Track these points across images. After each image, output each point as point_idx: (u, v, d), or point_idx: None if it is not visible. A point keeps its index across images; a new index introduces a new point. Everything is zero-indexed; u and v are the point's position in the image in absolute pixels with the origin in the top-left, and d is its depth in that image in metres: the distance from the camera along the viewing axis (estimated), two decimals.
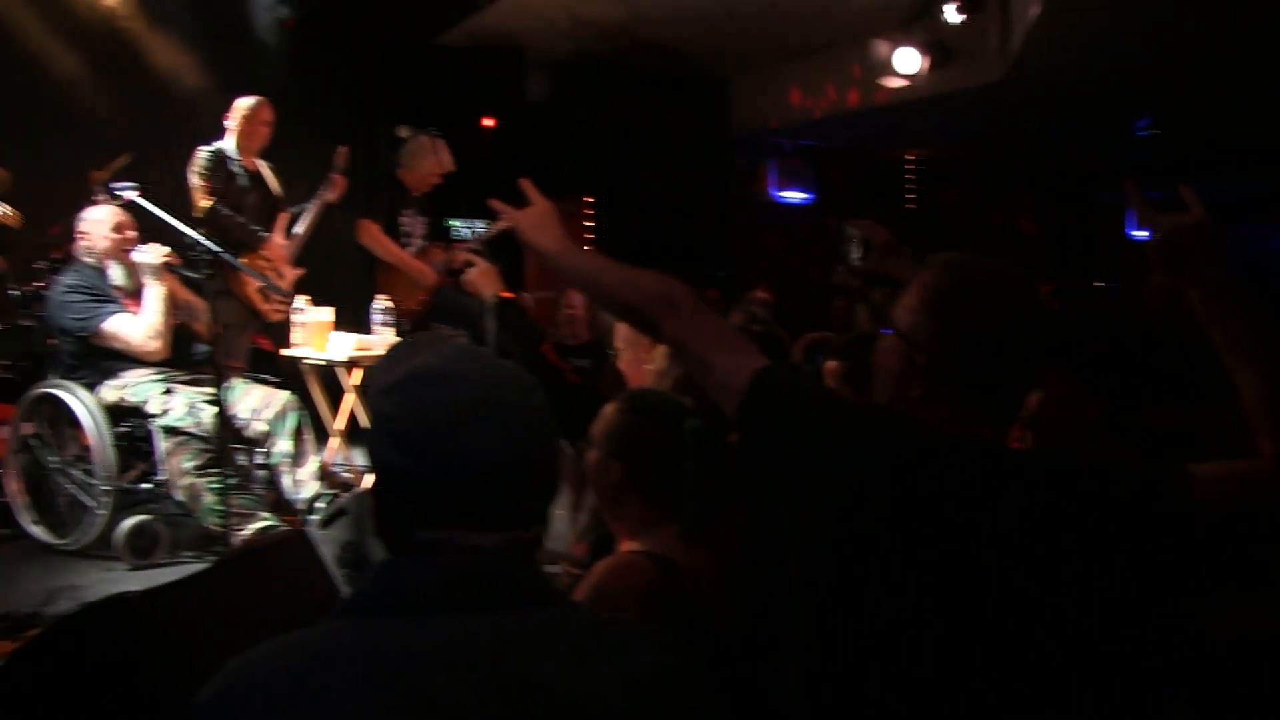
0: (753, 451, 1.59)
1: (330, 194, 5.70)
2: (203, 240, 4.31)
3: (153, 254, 4.59)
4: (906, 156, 10.98)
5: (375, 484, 1.21)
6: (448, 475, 1.14)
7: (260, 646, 1.11)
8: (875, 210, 8.91)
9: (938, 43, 7.15)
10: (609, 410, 2.10)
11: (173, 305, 4.69)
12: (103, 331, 4.56)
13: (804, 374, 2.57)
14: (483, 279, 2.86)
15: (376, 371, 1.27)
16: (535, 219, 2.04)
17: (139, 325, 4.58)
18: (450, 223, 6.60)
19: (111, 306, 4.61)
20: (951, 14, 6.85)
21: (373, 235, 5.85)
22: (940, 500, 1.44)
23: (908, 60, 7.27)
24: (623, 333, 2.97)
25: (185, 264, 4.68)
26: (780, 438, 1.55)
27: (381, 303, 5.42)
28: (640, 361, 2.84)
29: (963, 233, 11.06)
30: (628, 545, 2.01)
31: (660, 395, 2.17)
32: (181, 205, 4.97)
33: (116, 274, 4.70)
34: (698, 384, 1.71)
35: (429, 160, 6.01)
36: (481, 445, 1.15)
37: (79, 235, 4.78)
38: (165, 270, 4.63)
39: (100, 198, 5.16)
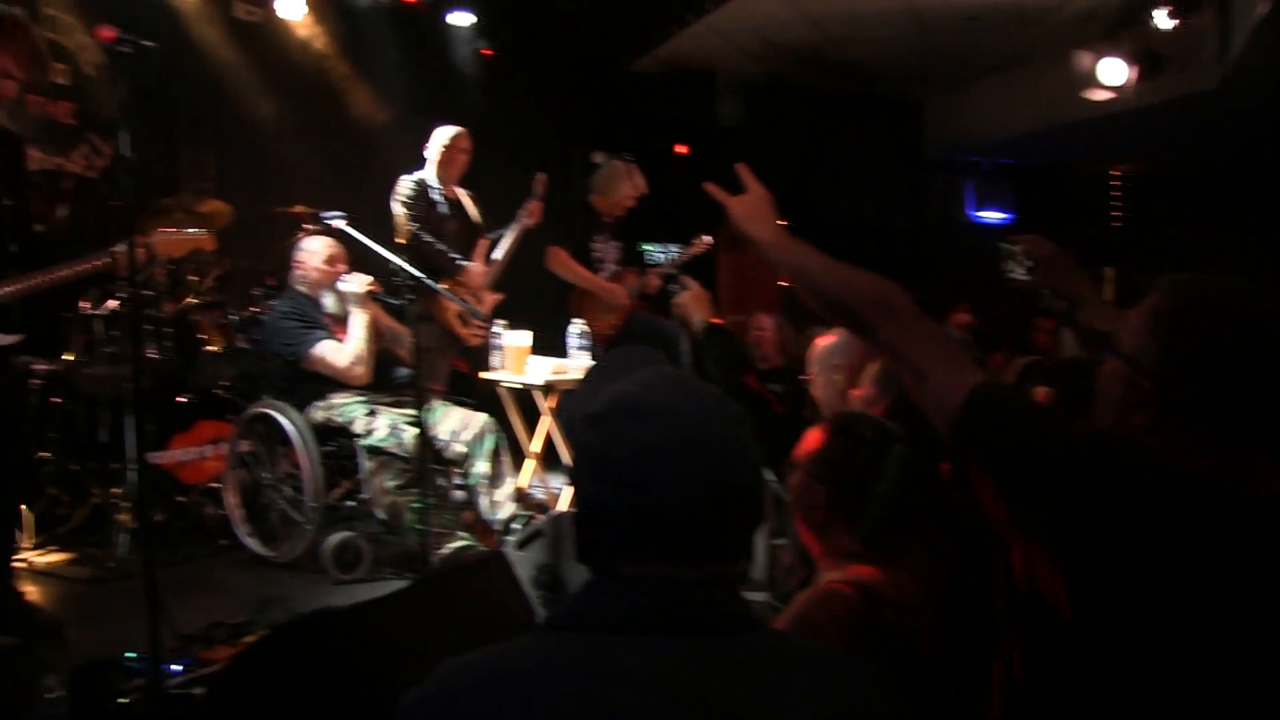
0: (967, 471, 1.50)
1: (528, 220, 5.84)
2: (405, 266, 4.42)
3: (357, 283, 4.76)
4: (1111, 172, 10.59)
5: (578, 514, 1.20)
6: (652, 510, 1.13)
7: (466, 655, 1.12)
8: (1079, 229, 8.58)
9: (1146, 51, 6.84)
10: (815, 434, 2.05)
11: (376, 332, 4.83)
12: (310, 357, 4.71)
13: (1025, 394, 2.45)
14: (694, 303, 2.86)
15: (579, 397, 1.25)
16: (750, 206, 1.94)
17: (344, 352, 4.71)
18: (643, 247, 6.61)
19: (319, 333, 4.76)
20: (1162, 19, 6.53)
21: (562, 261, 5.95)
22: (1190, 547, 1.32)
23: (1114, 71, 6.99)
24: (818, 356, 2.90)
25: (388, 290, 4.84)
26: (999, 459, 1.45)
27: (578, 327, 5.47)
28: (832, 385, 2.79)
29: (1177, 250, 10.50)
30: (830, 574, 1.95)
31: (869, 420, 2.10)
32: (385, 233, 5.14)
33: (328, 301, 4.88)
34: (907, 411, 1.62)
35: (623, 185, 6.07)
36: (686, 480, 1.13)
37: (294, 264, 4.97)
38: (369, 298, 4.80)
39: (312, 228, 5.41)
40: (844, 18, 7.38)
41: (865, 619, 1.78)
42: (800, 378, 3.05)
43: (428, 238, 5.46)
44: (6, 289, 3.46)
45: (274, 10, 6.95)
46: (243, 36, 7.01)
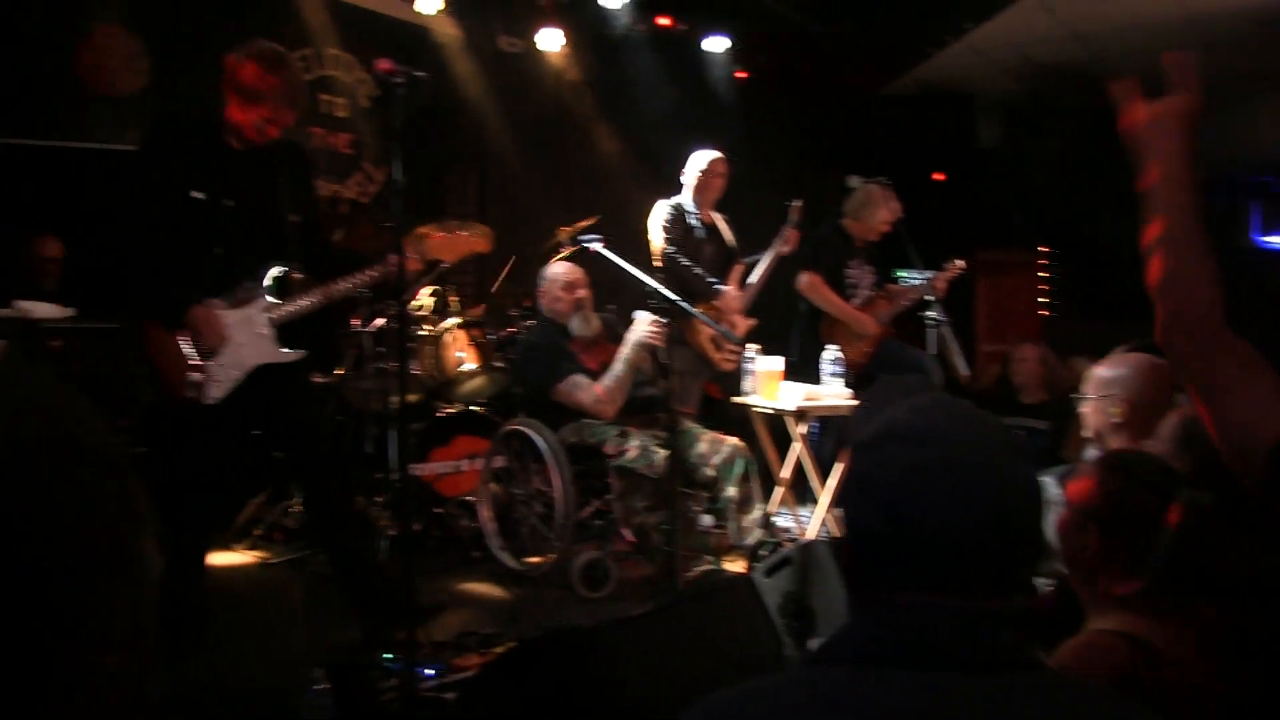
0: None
1: (784, 246, 5.82)
2: (661, 289, 4.43)
3: (642, 327, 4.77)
4: None
5: (848, 542, 1.16)
6: (927, 541, 1.08)
7: (730, 688, 1.09)
8: None
9: None
10: (1089, 470, 1.91)
11: (633, 372, 4.85)
12: (558, 391, 4.79)
13: None
14: None
15: (853, 424, 1.19)
16: (1168, 113, 1.57)
17: (591, 391, 4.75)
18: (898, 274, 6.46)
19: (566, 366, 4.83)
20: None
21: (816, 287, 5.88)
22: None
23: None
24: (1096, 381, 2.72)
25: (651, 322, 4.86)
26: None
27: (831, 353, 5.36)
28: (1106, 415, 2.65)
29: None
30: (1098, 623, 1.80)
31: (1150, 459, 1.93)
32: (642, 258, 5.21)
33: (574, 325, 4.98)
34: (1201, 449, 1.46)
35: (878, 210, 5.95)
36: (962, 507, 1.08)
37: (540, 292, 5.12)
38: (642, 345, 4.79)
39: (567, 251, 5.53)
40: (1112, 31, 7.09)
41: (1138, 675, 1.63)
42: (1071, 395, 2.90)
43: (684, 261, 5.52)
44: (301, 303, 3.71)
45: (534, 42, 7.20)
46: (504, 67, 7.32)
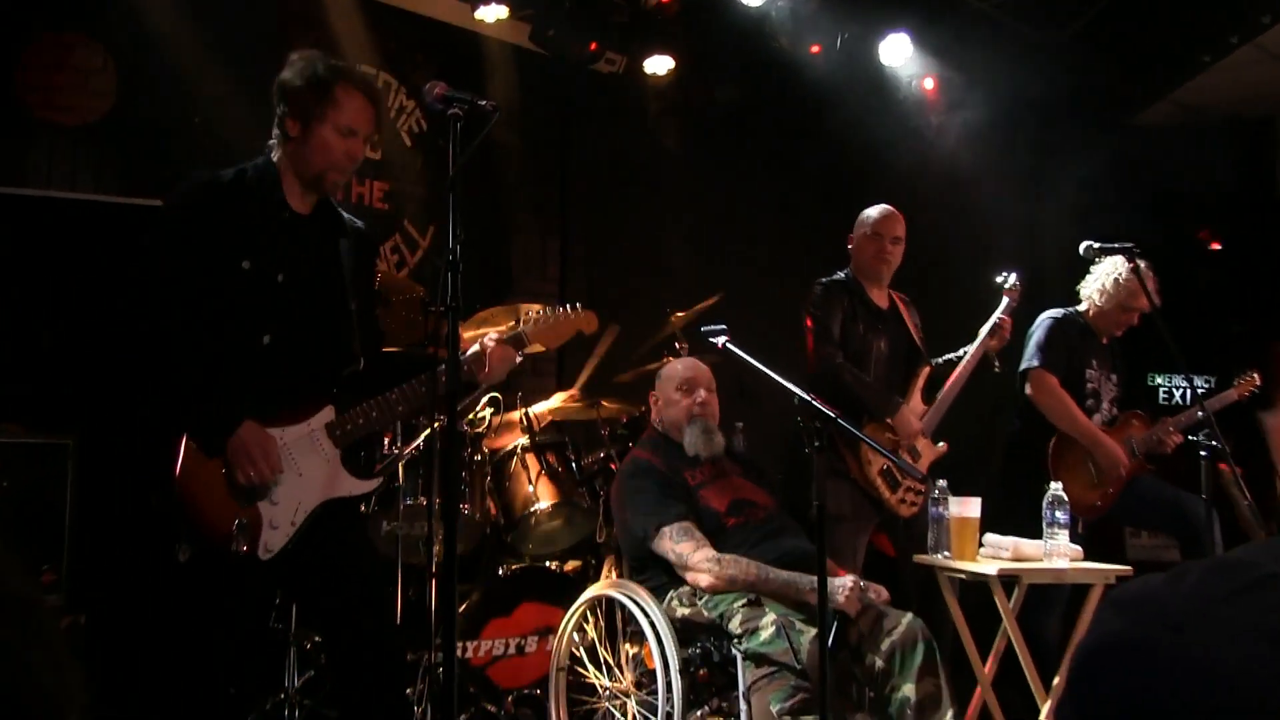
0: None
1: (993, 341, 5.88)
2: (812, 401, 4.43)
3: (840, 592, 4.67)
4: None
5: None
6: None
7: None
8: None
9: None
10: None
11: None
12: (659, 541, 4.81)
13: None
14: None
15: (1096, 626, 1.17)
16: None
17: (705, 554, 4.73)
18: (1154, 380, 6.39)
19: (675, 509, 4.85)
20: None
21: (1047, 390, 5.93)
22: None
23: None
24: None
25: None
26: None
27: (1053, 492, 5.27)
28: None
29: None
30: None
31: None
32: (783, 354, 5.15)
33: (690, 440, 5.03)
34: None
35: (1134, 293, 5.97)
36: None
37: (650, 397, 5.31)
38: None
39: (681, 345, 5.60)
40: None
41: None
42: None
43: (844, 361, 5.61)
44: (372, 414, 3.86)
45: (640, 64, 7.46)
46: (593, 92, 7.60)
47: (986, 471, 6.12)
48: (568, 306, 4.24)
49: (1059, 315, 6.18)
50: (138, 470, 3.84)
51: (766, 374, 4.42)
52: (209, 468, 3.60)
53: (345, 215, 4.04)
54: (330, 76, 3.78)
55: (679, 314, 6.04)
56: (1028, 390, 5.99)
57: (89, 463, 4.93)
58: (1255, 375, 6.00)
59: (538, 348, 4.23)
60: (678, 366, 5.25)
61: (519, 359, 4.11)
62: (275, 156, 3.86)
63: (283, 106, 3.80)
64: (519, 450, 5.73)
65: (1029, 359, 6.03)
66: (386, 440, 5.37)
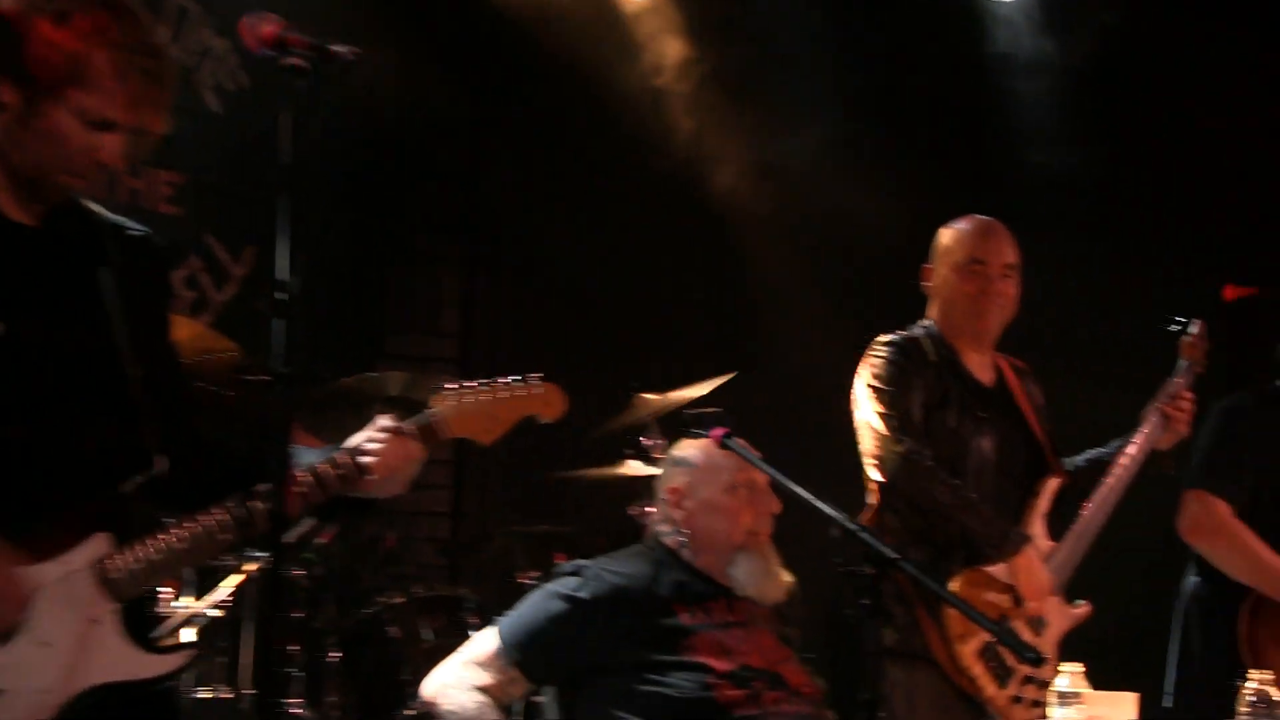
0: None
1: (1163, 433, 5.74)
2: (859, 531, 4.31)
3: None
4: None
5: None
6: None
7: None
8: None
9: None
10: None
11: None
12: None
13: None
14: None
15: None
16: None
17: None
18: None
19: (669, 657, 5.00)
20: None
21: (1229, 533, 5.84)
22: None
23: None
24: None
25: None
26: None
27: (1257, 688, 5.09)
28: None
29: None
30: None
31: None
32: (831, 457, 5.42)
33: (744, 572, 5.11)
34: None
35: None
36: None
37: (671, 496, 5.37)
38: None
39: (654, 442, 5.48)
40: None
41: None
42: None
43: (930, 464, 5.44)
44: (159, 547, 3.67)
45: None
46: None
47: (1149, 647, 6.11)
48: (513, 381, 4.11)
49: (1244, 402, 6.23)
50: None
51: (790, 488, 4.47)
52: None
53: (110, 220, 3.92)
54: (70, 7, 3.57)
55: (649, 395, 5.86)
56: (1184, 527, 5.91)
57: None
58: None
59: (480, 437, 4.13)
60: (720, 460, 5.24)
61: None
62: None
63: None
64: (388, 611, 5.59)
65: (1192, 474, 5.95)
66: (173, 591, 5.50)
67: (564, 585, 5.17)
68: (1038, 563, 5.58)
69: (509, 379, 4.16)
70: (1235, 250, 8.63)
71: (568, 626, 5.05)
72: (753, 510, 5.20)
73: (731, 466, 5.21)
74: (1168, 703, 5.64)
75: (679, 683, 4.94)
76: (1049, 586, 5.62)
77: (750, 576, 5.16)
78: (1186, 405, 5.79)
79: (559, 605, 5.08)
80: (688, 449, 5.42)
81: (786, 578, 5.28)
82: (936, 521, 5.45)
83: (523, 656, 5.01)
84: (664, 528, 5.37)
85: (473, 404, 4.05)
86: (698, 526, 5.25)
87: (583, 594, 5.09)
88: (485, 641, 5.06)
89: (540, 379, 4.20)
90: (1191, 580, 5.99)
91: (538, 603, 5.14)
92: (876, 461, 5.48)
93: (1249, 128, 9.06)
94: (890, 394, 5.53)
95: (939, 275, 5.75)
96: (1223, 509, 5.81)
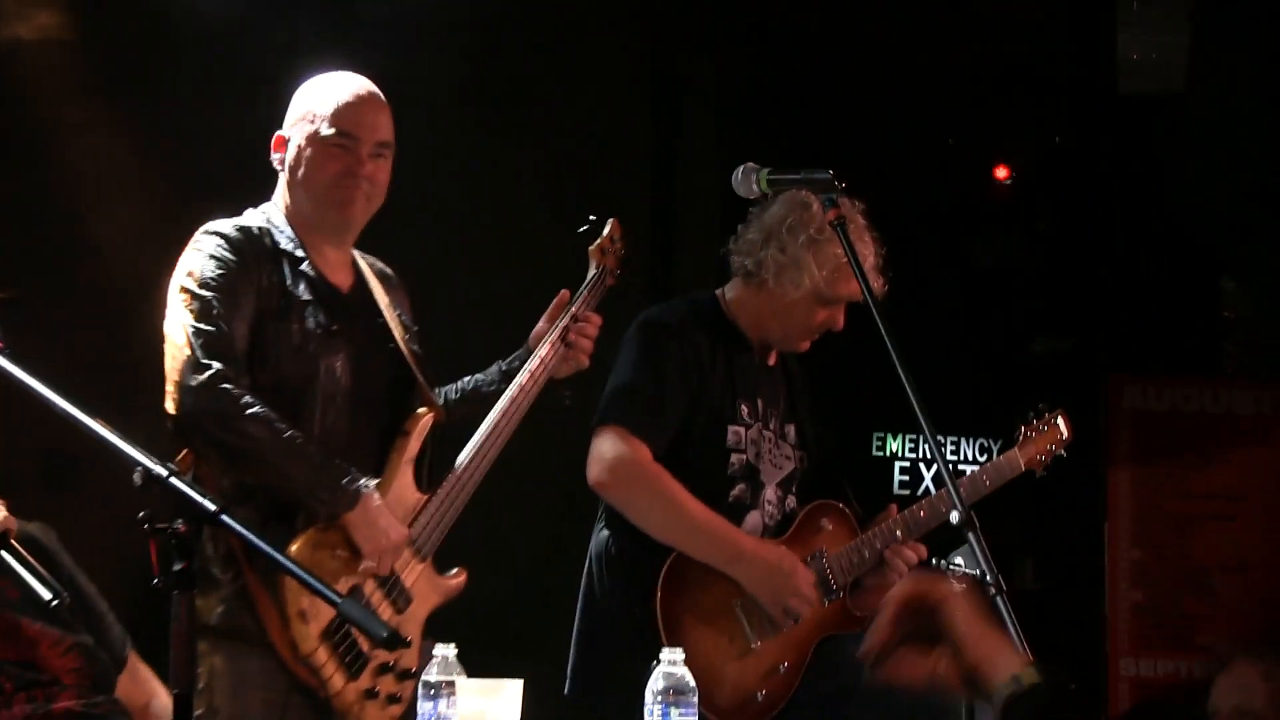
0: None
1: (563, 351, 5.47)
2: (168, 477, 3.54)
3: None
4: None
5: None
6: None
7: None
8: None
9: None
10: None
11: None
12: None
13: None
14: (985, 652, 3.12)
15: None
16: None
17: None
18: (885, 440, 6.75)
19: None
20: None
21: (632, 470, 5.63)
22: None
23: None
24: None
25: None
26: None
27: (667, 670, 4.81)
28: None
29: None
30: None
31: None
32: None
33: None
34: None
35: (835, 268, 5.80)
36: None
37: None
38: None
39: None
40: None
41: None
42: None
43: (243, 395, 4.74)
44: None
45: None
46: None
47: (548, 618, 6.18)
48: None
49: (669, 318, 5.99)
50: None
51: (82, 421, 3.64)
52: None
53: None
54: None
55: None
56: (594, 472, 5.60)
57: None
58: (1059, 420, 6.16)
59: None
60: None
61: None
62: None
63: None
64: None
65: (602, 407, 5.69)
66: None
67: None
68: (385, 516, 5.03)
69: None
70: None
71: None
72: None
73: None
74: (567, 690, 5.55)
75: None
76: (399, 541, 5.06)
77: None
78: (591, 327, 5.54)
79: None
80: None
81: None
82: (249, 469, 4.83)
83: None
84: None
85: None
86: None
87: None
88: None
89: None
90: (600, 538, 5.78)
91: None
92: (174, 389, 4.78)
93: None
94: (208, 300, 4.81)
95: (294, 147, 5.03)
96: (642, 451, 5.56)
